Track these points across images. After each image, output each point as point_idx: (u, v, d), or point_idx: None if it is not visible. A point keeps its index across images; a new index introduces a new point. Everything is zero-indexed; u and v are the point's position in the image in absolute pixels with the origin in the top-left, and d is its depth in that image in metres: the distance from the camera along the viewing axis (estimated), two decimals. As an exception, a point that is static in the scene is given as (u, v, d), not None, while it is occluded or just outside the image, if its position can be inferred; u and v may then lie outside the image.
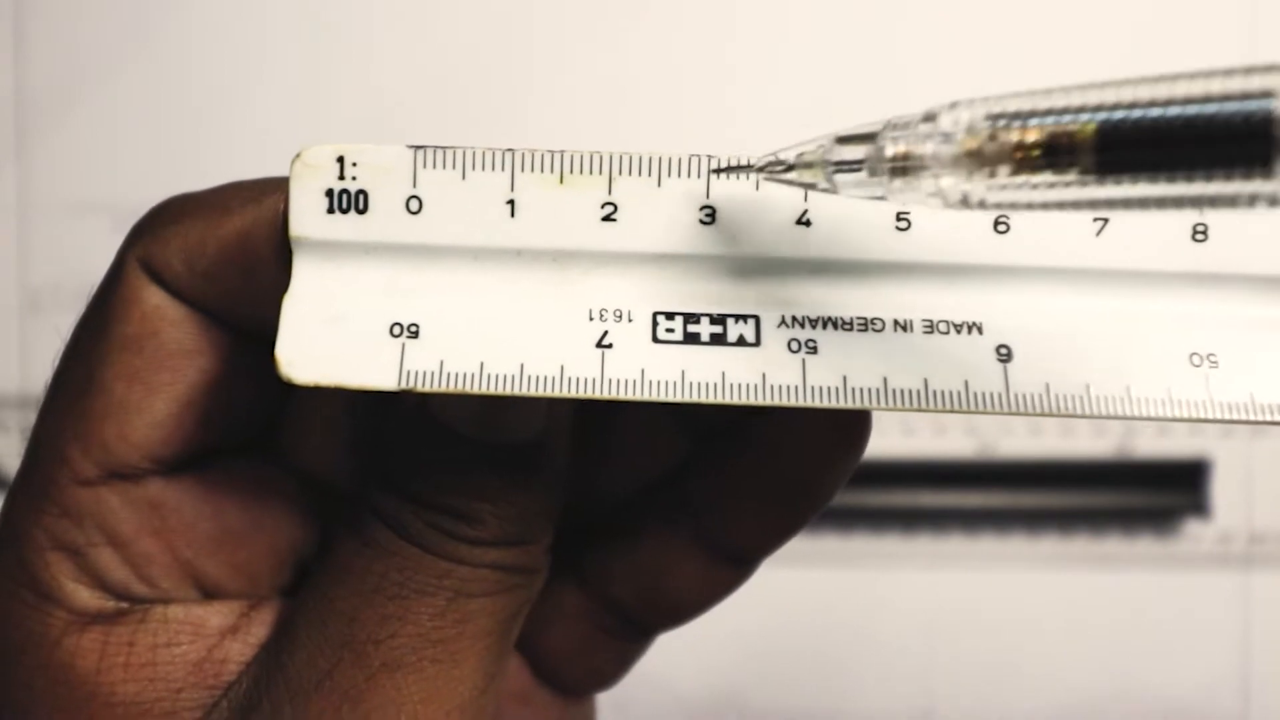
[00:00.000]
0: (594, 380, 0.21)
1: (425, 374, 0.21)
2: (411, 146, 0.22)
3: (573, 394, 0.21)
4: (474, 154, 0.22)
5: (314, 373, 0.21)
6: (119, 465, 0.25)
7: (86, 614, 0.26)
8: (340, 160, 0.22)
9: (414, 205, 0.22)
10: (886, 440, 0.60)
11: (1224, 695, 0.60)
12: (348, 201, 0.22)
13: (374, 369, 0.21)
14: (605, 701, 0.58)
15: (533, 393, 0.21)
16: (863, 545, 0.61)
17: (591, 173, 0.22)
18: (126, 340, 0.25)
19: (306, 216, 0.22)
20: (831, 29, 0.59)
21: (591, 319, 0.22)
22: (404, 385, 0.21)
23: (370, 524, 0.25)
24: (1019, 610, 0.61)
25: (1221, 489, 0.60)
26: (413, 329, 0.21)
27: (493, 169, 0.22)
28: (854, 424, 0.27)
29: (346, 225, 0.22)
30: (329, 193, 0.22)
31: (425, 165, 0.22)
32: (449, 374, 0.21)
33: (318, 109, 0.59)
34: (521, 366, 0.21)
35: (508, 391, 0.21)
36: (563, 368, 0.21)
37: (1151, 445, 0.59)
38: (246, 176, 0.51)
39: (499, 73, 0.59)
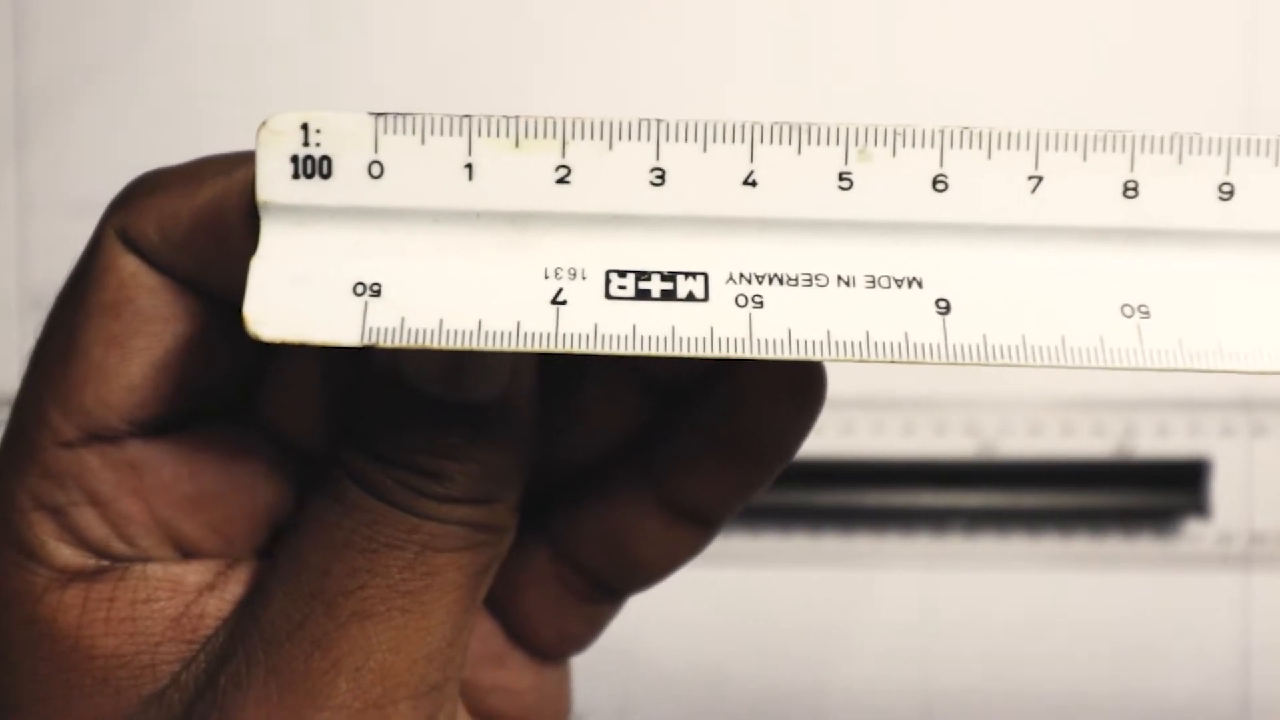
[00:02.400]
0: (549, 335, 0.22)
1: (387, 330, 0.22)
2: (373, 113, 0.23)
3: (529, 348, 0.22)
4: (432, 119, 0.23)
5: (280, 330, 0.22)
6: (98, 427, 0.26)
7: (68, 571, 0.27)
8: (304, 127, 0.23)
9: (375, 170, 0.23)
10: (886, 440, 0.61)
11: (1224, 695, 0.61)
12: (312, 167, 0.23)
13: (337, 325, 0.22)
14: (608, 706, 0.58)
15: (490, 347, 0.22)
16: (863, 545, 0.62)
17: (545, 137, 0.23)
18: (104, 306, 0.26)
19: (273, 182, 0.23)
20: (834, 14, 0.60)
21: (547, 277, 0.23)
22: (366, 341, 0.22)
23: (340, 482, 0.26)
24: (1019, 610, 0.62)
25: (1221, 489, 0.61)
26: (375, 288, 0.23)
27: (451, 134, 0.23)
28: (809, 382, 0.28)
29: (311, 190, 0.23)
30: (294, 159, 0.23)
31: (386, 131, 0.23)
32: (410, 330, 0.22)
33: (318, 108, 0.59)
34: (479, 322, 0.22)
35: (466, 346, 0.22)
36: (519, 323, 0.22)
37: (1151, 445, 0.60)
38: None
39: (501, 72, 0.60)
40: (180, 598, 0.27)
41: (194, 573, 0.28)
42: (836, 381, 0.28)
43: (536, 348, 0.23)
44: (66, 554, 0.27)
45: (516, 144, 0.23)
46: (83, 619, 0.27)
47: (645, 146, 0.23)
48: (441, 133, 0.23)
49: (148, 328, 0.26)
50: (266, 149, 0.23)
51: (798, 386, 0.28)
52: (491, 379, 0.26)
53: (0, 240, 0.61)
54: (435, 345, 0.22)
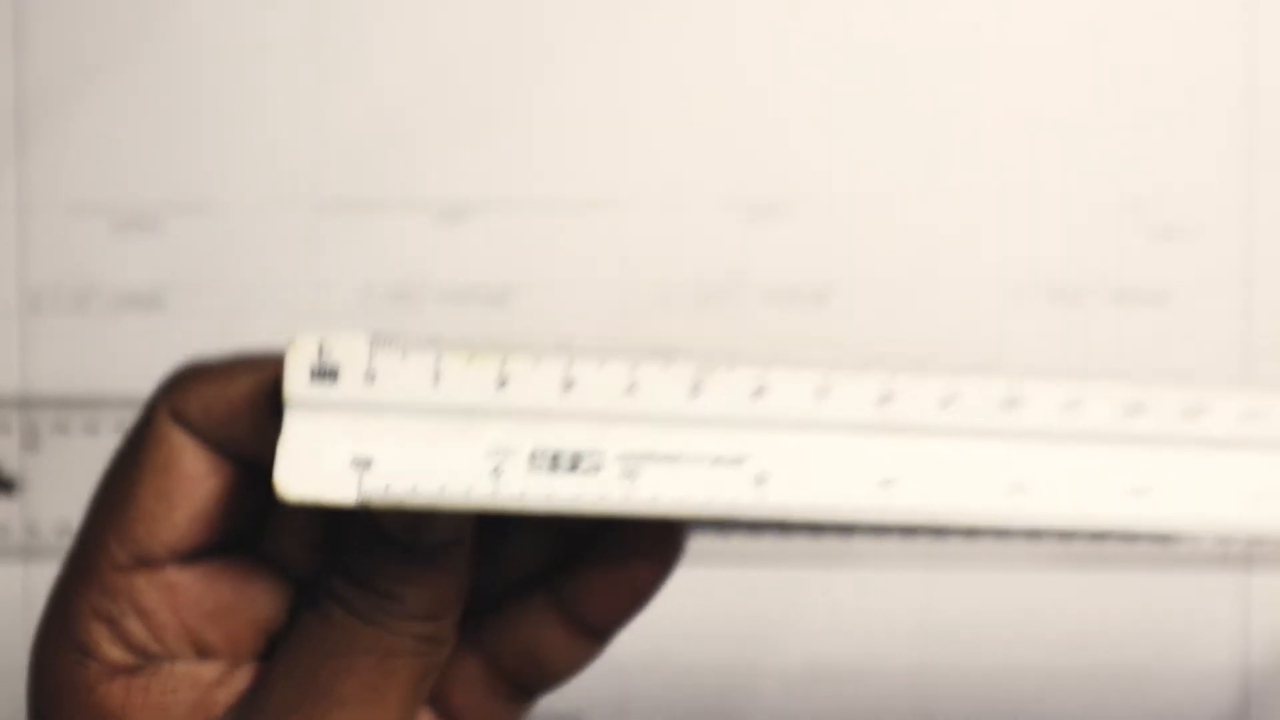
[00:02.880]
0: (490, 498, 0.38)
1: (376, 495, 0.37)
2: (370, 337, 0.38)
3: (475, 508, 0.38)
4: (410, 340, 0.38)
5: (301, 492, 0.37)
6: (147, 556, 0.40)
7: (116, 667, 0.40)
8: (320, 346, 0.38)
9: (370, 376, 0.38)
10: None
11: (1224, 695, 0.69)
12: (324, 373, 0.38)
13: (340, 490, 0.37)
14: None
15: (448, 507, 0.38)
16: (864, 545, 0.70)
17: (491, 355, 0.38)
18: (156, 467, 0.40)
19: (296, 384, 0.38)
20: (837, 39, 0.69)
21: (488, 455, 0.38)
22: (360, 502, 0.37)
23: (327, 603, 0.40)
24: (1018, 611, 0.70)
25: None
26: (367, 462, 0.38)
27: (423, 352, 0.38)
28: (671, 534, 0.44)
29: (323, 390, 0.38)
30: (311, 368, 0.38)
31: (378, 348, 0.38)
32: (391, 494, 0.37)
33: (319, 108, 0.69)
34: (441, 488, 0.37)
35: (432, 506, 0.38)
36: (469, 490, 0.38)
37: (1152, 445, 0.66)
38: (245, 176, 0.67)
39: (501, 73, 0.69)
40: (199, 690, 0.40)
41: (209, 670, 0.41)
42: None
43: (481, 508, 0.38)
44: (116, 653, 0.40)
45: (470, 360, 0.38)
46: (125, 704, 0.40)
47: (561, 363, 0.39)
48: (417, 351, 0.39)
49: (189, 484, 0.40)
50: (293, 361, 0.38)
51: (663, 536, 0.43)
52: (443, 529, 0.39)
53: (0, 240, 0.69)
54: (409, 505, 0.38)
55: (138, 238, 0.68)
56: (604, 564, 0.43)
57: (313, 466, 0.38)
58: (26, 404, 0.68)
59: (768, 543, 0.70)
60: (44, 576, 0.63)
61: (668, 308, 0.67)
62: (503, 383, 0.39)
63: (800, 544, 0.70)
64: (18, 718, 0.63)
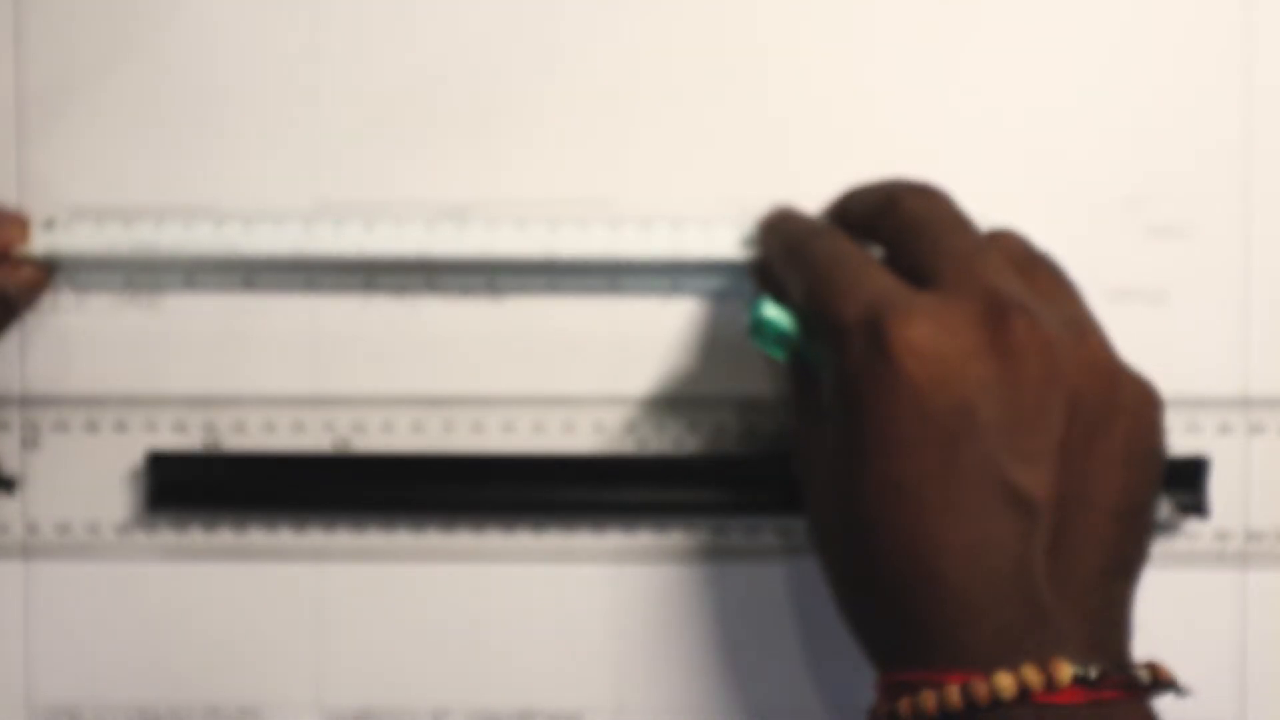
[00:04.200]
0: None
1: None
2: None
3: None
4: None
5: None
6: None
7: None
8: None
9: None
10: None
11: (1220, 693, 0.68)
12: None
13: None
14: None
15: None
16: None
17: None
18: None
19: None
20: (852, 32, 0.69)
21: None
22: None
23: None
24: None
25: (1219, 487, 0.68)
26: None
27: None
28: None
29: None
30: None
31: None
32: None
33: (318, 108, 0.68)
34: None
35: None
36: None
37: (1150, 444, 0.65)
38: (245, 176, 0.70)
39: (500, 73, 0.68)
40: None
41: None
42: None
43: None
44: None
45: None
46: None
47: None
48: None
49: None
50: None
51: None
52: None
53: (0, 240, 0.67)
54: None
55: (138, 238, 0.66)
56: None
57: None
58: (27, 404, 0.68)
59: (769, 536, 0.70)
60: (44, 576, 0.65)
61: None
62: None
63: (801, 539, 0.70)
64: (19, 713, 0.64)
